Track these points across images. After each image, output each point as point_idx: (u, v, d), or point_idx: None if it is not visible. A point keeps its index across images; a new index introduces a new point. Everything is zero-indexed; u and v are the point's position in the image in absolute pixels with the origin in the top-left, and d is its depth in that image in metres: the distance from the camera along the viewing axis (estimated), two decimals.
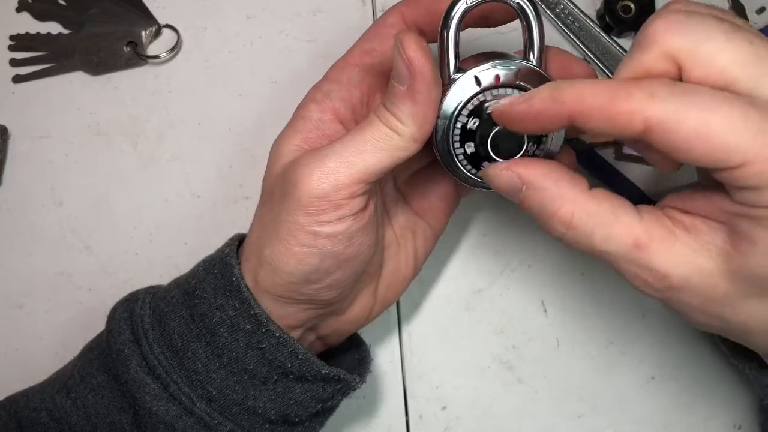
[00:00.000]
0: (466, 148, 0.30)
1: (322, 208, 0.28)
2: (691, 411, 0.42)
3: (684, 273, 0.25)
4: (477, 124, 0.30)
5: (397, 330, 0.42)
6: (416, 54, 0.27)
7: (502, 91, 0.29)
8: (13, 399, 0.34)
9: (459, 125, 0.30)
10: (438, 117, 0.29)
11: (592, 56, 0.44)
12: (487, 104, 0.29)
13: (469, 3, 0.29)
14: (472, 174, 0.31)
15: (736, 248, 0.25)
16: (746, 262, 0.25)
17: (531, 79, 0.29)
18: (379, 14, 0.45)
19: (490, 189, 0.31)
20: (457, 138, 0.30)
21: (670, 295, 0.26)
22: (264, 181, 0.32)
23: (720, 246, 0.25)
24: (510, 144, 0.30)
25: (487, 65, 0.29)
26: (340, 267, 0.30)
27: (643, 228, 0.26)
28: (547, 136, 0.30)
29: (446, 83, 0.30)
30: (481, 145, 0.30)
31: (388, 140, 0.28)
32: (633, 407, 0.42)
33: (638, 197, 0.43)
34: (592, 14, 0.45)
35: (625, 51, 0.44)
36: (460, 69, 0.30)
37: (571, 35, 0.45)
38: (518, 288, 0.43)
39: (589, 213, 0.27)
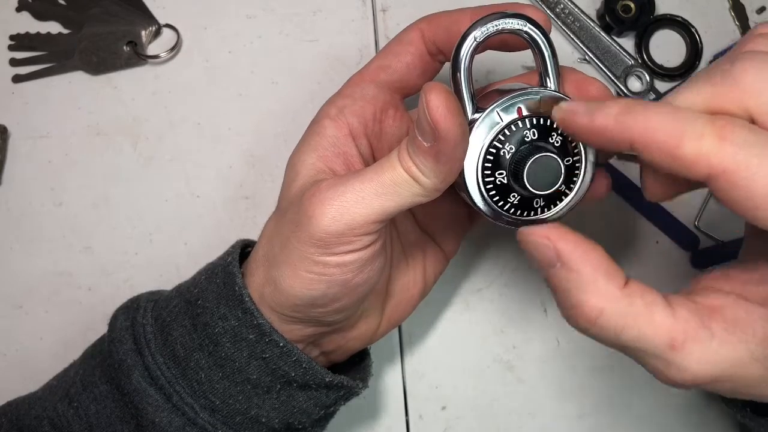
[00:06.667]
0: (497, 175, 0.29)
1: (334, 242, 0.28)
2: (691, 411, 0.42)
3: (716, 372, 0.24)
4: (504, 174, 0.28)
5: (397, 330, 0.42)
6: (442, 117, 0.25)
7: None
8: (14, 405, 0.34)
9: (486, 165, 0.28)
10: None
11: (592, 56, 0.44)
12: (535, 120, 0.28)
13: (478, 38, 0.28)
14: (503, 212, 0.29)
15: None
16: None
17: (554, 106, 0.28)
18: (379, 14, 0.45)
19: (519, 226, 0.29)
20: (486, 176, 0.29)
21: (695, 387, 0.25)
22: (280, 198, 0.32)
23: (760, 336, 0.24)
24: (545, 176, 0.28)
25: (506, 99, 0.28)
26: (348, 293, 0.30)
27: (679, 326, 0.24)
28: (579, 172, 0.29)
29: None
30: (513, 180, 0.28)
31: (408, 188, 0.27)
32: (633, 407, 0.42)
33: (653, 209, 0.43)
34: (592, 14, 0.45)
35: (625, 51, 0.44)
36: (478, 108, 0.29)
37: (571, 35, 0.45)
38: (518, 288, 0.43)
39: (620, 313, 0.24)
